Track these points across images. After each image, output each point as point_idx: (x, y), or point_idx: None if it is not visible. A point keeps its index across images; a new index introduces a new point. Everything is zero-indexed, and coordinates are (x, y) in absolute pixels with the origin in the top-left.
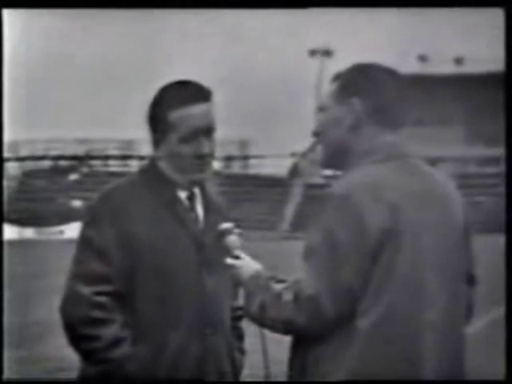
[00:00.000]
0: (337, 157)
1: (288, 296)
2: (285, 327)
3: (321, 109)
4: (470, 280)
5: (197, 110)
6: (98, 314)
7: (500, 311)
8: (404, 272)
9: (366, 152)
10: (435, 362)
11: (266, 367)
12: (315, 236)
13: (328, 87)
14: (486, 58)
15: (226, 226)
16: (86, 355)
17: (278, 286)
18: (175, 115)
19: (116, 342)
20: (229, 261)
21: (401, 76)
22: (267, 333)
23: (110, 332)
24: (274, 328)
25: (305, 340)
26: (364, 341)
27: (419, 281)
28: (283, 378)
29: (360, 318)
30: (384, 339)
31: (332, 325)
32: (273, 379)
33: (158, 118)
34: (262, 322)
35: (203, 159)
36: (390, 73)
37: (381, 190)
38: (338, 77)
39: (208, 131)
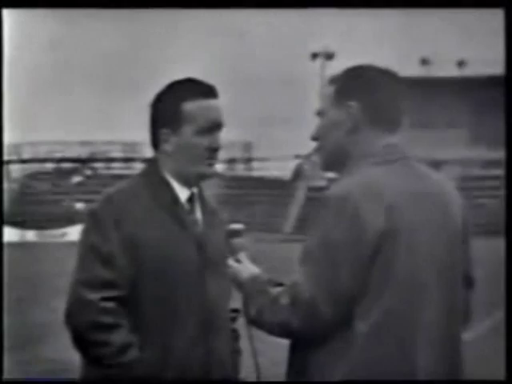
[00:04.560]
0: (336, 160)
1: (285, 299)
2: (282, 330)
3: (320, 113)
4: (468, 282)
5: (212, 103)
6: (105, 319)
7: (502, 314)
8: (402, 274)
9: (364, 155)
10: (431, 362)
11: (257, 368)
12: (313, 239)
13: (324, 90)
14: (488, 60)
15: (235, 226)
16: (95, 361)
17: (275, 290)
18: (191, 106)
19: (124, 347)
20: (230, 262)
21: (397, 76)
22: (259, 334)
23: (118, 337)
24: (271, 331)
25: (303, 343)
26: (363, 343)
27: (417, 283)
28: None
29: (358, 321)
30: (383, 341)
31: (329, 328)
32: (272, 379)
33: (170, 110)
34: (259, 325)
35: (215, 153)
36: (385, 73)
37: (379, 193)
38: (333, 80)
39: (220, 127)
